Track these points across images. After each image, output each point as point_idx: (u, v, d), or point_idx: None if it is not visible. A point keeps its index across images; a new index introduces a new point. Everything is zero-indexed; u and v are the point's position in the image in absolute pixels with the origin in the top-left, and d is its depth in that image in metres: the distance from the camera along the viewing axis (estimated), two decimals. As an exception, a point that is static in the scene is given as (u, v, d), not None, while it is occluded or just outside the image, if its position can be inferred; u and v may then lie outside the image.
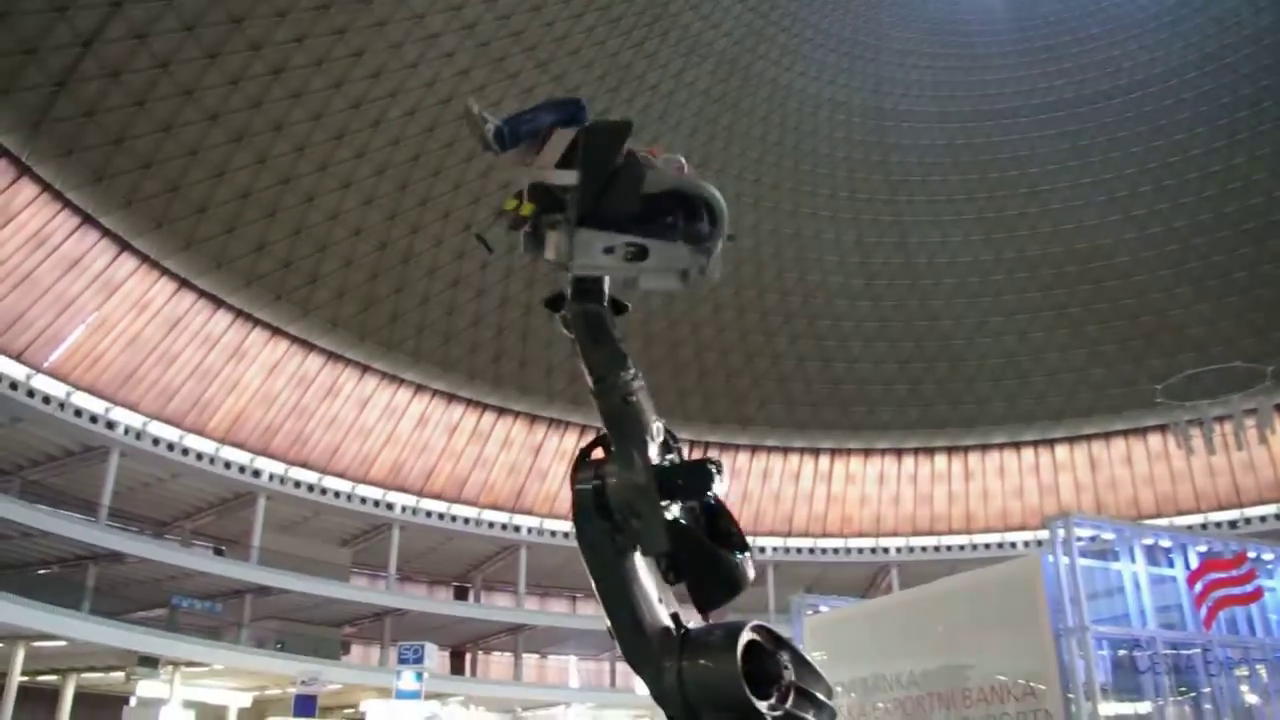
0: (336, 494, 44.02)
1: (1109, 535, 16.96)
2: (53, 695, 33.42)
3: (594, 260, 4.79)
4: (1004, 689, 15.74)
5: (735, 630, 4.52)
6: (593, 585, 4.69)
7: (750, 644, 4.55)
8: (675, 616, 4.70)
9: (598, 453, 4.93)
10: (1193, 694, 16.41)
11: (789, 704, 4.64)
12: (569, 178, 4.81)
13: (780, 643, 4.76)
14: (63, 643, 30.11)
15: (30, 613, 28.59)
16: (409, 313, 43.75)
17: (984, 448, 52.09)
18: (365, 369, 44.40)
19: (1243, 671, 17.13)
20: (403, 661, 35.11)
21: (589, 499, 4.66)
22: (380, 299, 42.72)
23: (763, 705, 4.46)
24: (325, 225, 39.96)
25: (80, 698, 33.71)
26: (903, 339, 50.05)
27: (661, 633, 4.61)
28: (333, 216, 39.93)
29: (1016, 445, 51.79)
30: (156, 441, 38.17)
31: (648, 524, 4.51)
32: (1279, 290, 43.54)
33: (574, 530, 4.73)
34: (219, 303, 39.68)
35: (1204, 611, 16.22)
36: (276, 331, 41.57)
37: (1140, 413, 46.07)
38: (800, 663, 4.78)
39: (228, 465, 40.59)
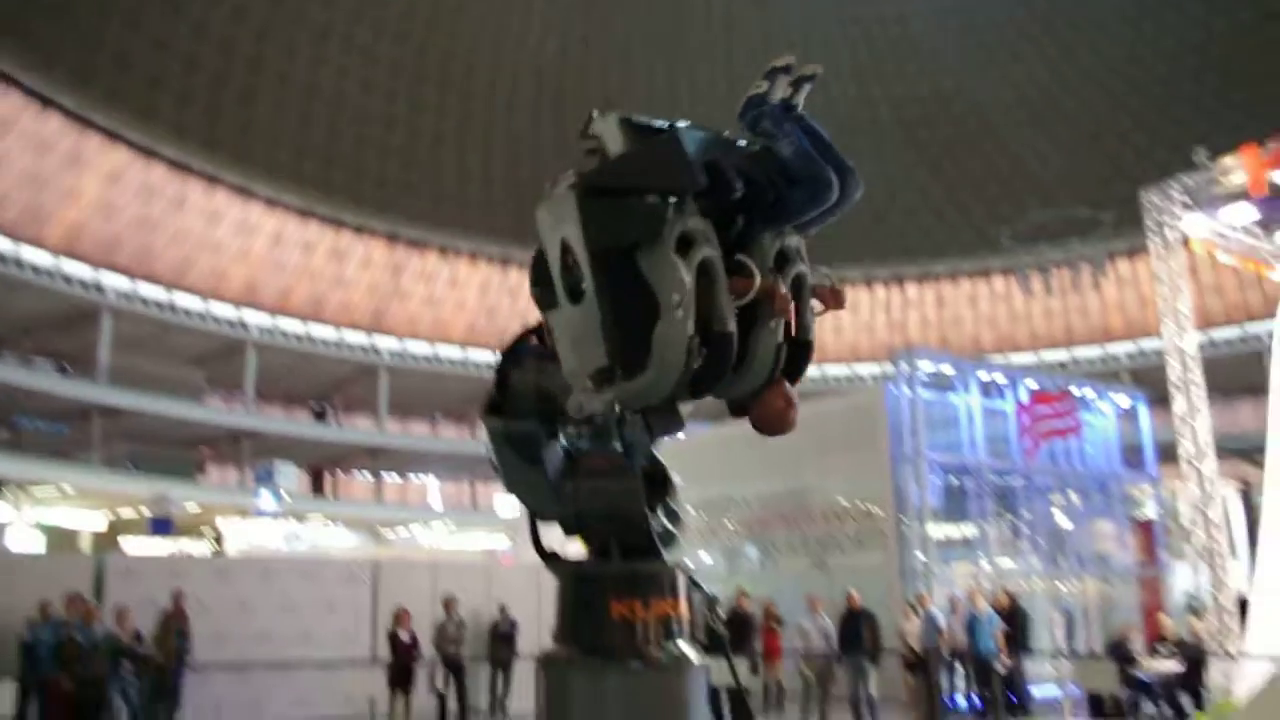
0: (187, 311, 42.47)
1: (949, 370, 17.93)
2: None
3: None
4: (844, 511, 16.82)
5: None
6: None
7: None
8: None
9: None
10: (1013, 518, 17.86)
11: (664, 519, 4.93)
12: None
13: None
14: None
15: None
16: (261, 124, 41.61)
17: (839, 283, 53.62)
18: (215, 181, 42.30)
19: (1058, 498, 18.69)
20: (260, 481, 34.96)
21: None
22: (230, 108, 40.41)
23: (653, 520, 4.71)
24: (165, 23, 37.10)
25: (-84, 519, 32.66)
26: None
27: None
28: (174, 13, 37.06)
29: (869, 282, 53.46)
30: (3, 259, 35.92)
31: None
32: (1123, 143, 45.25)
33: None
34: (48, 102, 36.86)
35: (1029, 442, 17.48)
36: (115, 137, 39.00)
37: (987, 255, 47.94)
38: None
39: (67, 279, 38.55)
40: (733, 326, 3.08)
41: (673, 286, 2.92)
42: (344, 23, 41.00)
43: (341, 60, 41.69)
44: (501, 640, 14.49)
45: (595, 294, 3.03)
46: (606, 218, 3.05)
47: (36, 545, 31.11)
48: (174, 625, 12.63)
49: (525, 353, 4.09)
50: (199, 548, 33.17)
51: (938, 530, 16.48)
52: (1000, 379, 18.65)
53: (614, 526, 4.75)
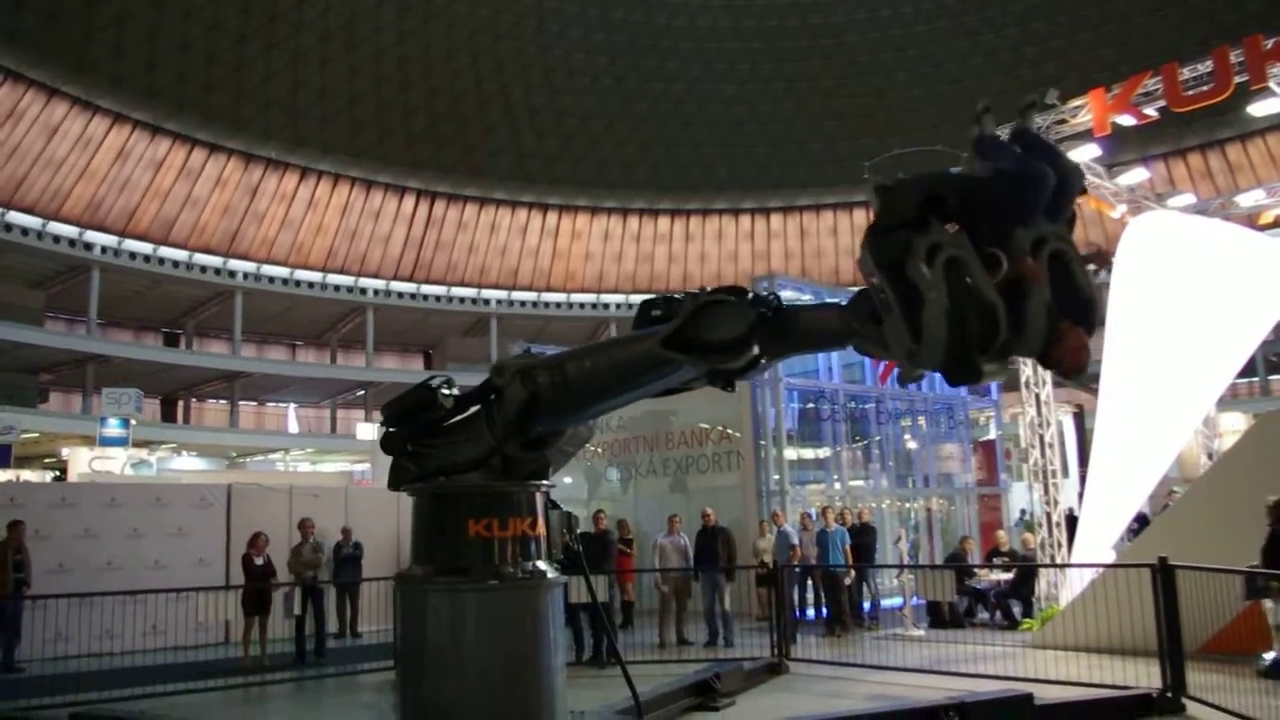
0: (24, 231, 40.00)
1: (808, 297, 18.36)
2: None
3: None
4: (703, 434, 17.19)
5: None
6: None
7: None
8: None
9: None
10: (865, 440, 18.54)
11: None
12: None
13: None
14: None
15: None
16: (105, 30, 39.05)
17: (705, 212, 54.02)
18: (53, 92, 39.63)
19: (907, 422, 19.47)
20: (110, 407, 33.59)
21: None
22: (69, 14, 37.78)
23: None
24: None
25: None
26: (637, 99, 50.08)
27: None
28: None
29: (735, 212, 54.05)
30: None
31: None
32: (980, 82, 46.49)
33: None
34: None
35: (880, 368, 18.11)
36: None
37: (850, 189, 48.87)
38: None
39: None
40: (993, 298, 3.97)
41: (926, 284, 3.94)
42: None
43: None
44: (347, 563, 14.42)
45: (891, 301, 4.07)
46: (880, 248, 4.12)
47: None
48: (9, 555, 12.15)
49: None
50: (40, 477, 31.74)
51: (792, 452, 17.03)
52: (856, 307, 19.18)
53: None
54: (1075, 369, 4.24)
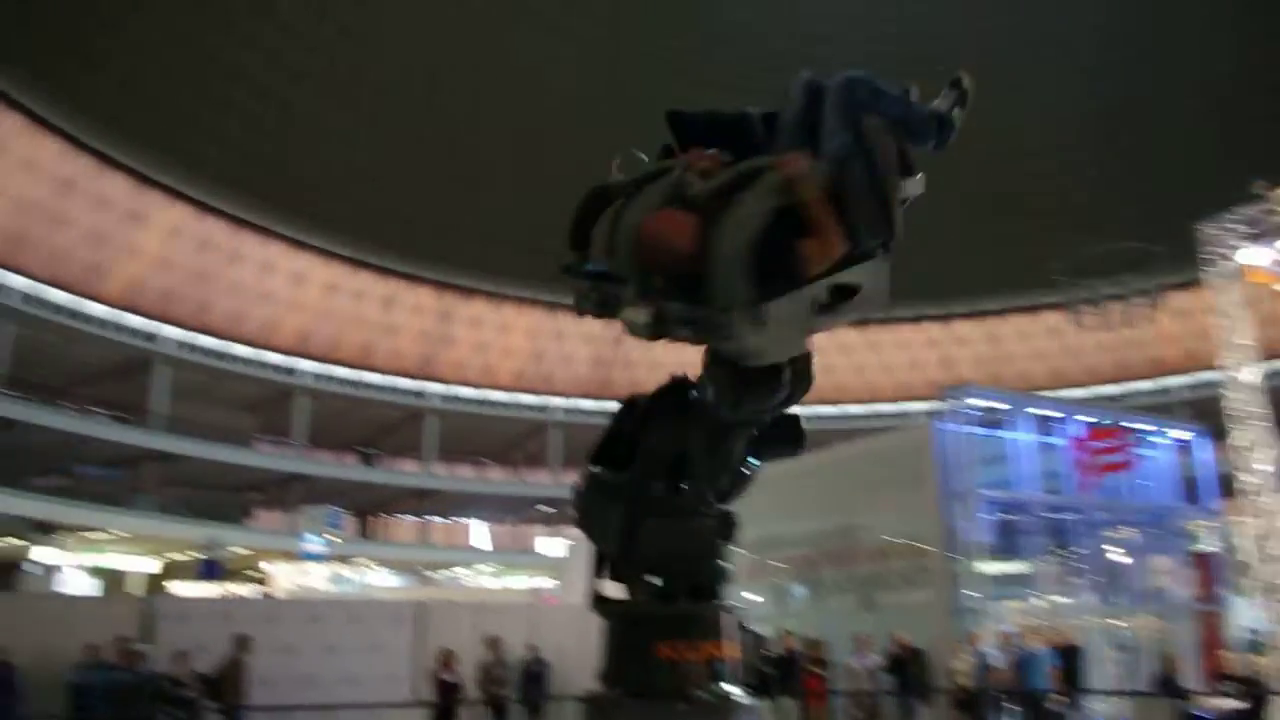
0: (240, 360, 43.19)
1: (1001, 406, 17.64)
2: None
3: None
4: (892, 549, 16.51)
5: None
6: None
7: None
8: None
9: None
10: (1067, 554, 17.43)
11: None
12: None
13: None
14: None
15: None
16: (313, 177, 42.37)
17: (887, 321, 53.25)
18: (269, 234, 43.11)
19: (1113, 533, 18.23)
20: (326, 524, 35.31)
21: None
22: (282, 163, 41.24)
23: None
24: (223, 83, 38.15)
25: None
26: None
27: None
28: (233, 75, 38.11)
29: (918, 319, 53.01)
30: (51, 307, 36.84)
31: None
32: (1175, 175, 44.60)
33: None
34: (111, 162, 37.90)
35: (1083, 478, 17.11)
36: (174, 194, 39.99)
37: (1039, 291, 47.29)
38: None
39: (125, 331, 39.43)
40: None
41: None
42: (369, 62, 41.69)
43: (373, 102, 42.30)
44: (532, 681, 14.35)
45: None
46: None
47: (88, 588, 31.50)
48: (242, 670, 12.68)
49: (664, 413, 5.04)
50: (247, 591, 33.41)
51: (989, 567, 16.13)
52: (1053, 413, 18.32)
53: (683, 567, 4.90)
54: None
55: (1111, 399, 46.84)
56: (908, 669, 12.70)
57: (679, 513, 4.88)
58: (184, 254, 41.33)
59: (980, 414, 17.10)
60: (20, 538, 32.14)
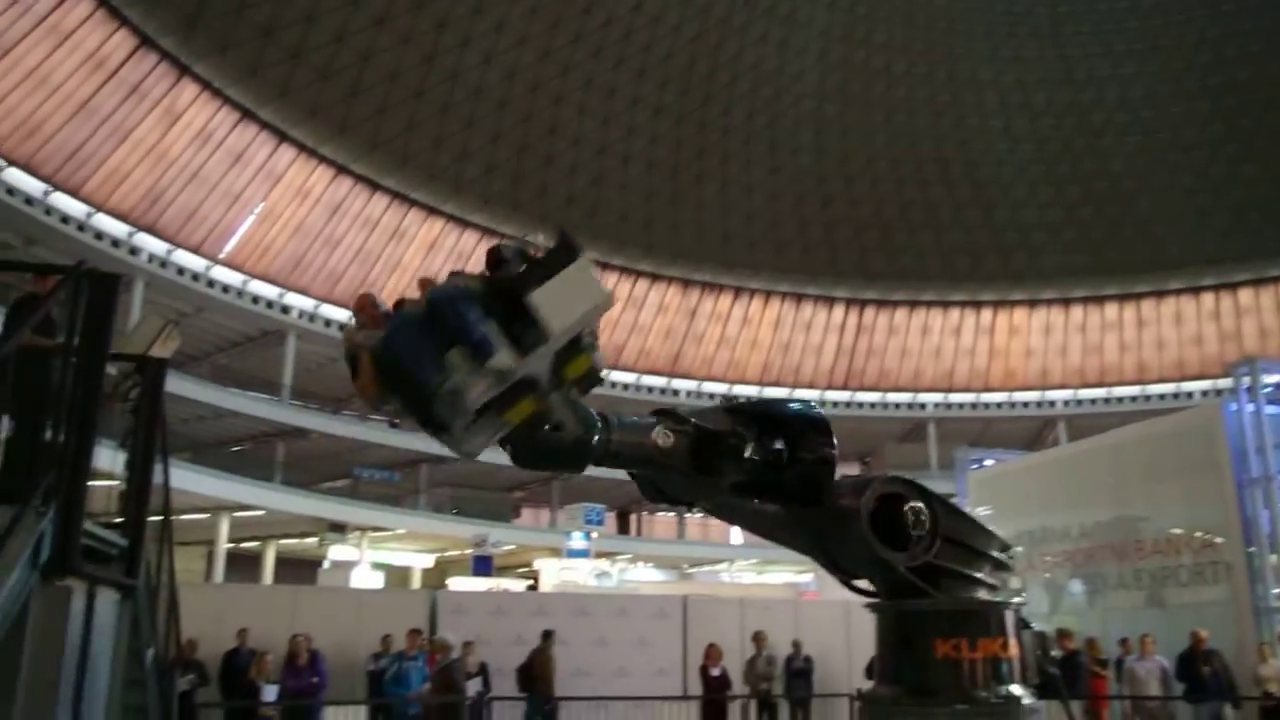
0: (498, 371, 45.35)
1: (1300, 380, 15.99)
2: (256, 559, 36.39)
3: None
4: (1180, 541, 15.27)
5: (863, 485, 4.85)
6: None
7: (885, 496, 4.84)
8: None
9: None
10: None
11: (933, 554, 4.95)
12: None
13: (922, 494, 4.95)
14: (260, 512, 32.61)
15: (230, 486, 31.13)
16: (556, 184, 43.95)
17: (1159, 294, 49.53)
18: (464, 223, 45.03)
19: None
20: (588, 522, 36.62)
21: None
22: (529, 173, 43.03)
23: (898, 557, 4.87)
24: (470, 101, 40.23)
25: (280, 561, 36.70)
26: (1069, 182, 47.50)
27: None
28: (477, 91, 40.11)
29: (1195, 290, 48.99)
30: (328, 323, 40.11)
31: None
32: None
33: None
34: (375, 185, 40.81)
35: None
36: (432, 210, 42.58)
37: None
38: (954, 514, 4.88)
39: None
40: None
41: None
42: (606, 70, 42.50)
43: (608, 106, 43.20)
44: (797, 676, 14.23)
45: None
46: None
47: (376, 582, 33.98)
48: (550, 662, 13.42)
49: None
50: (517, 585, 35.04)
51: (1296, 562, 14.62)
52: (1364, 388, 16.42)
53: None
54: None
55: None
56: (1203, 672, 11.68)
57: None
58: (442, 267, 43.72)
59: (1275, 390, 15.57)
60: (319, 537, 35.15)
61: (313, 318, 39.71)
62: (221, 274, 37.54)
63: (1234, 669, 12.17)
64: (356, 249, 41.60)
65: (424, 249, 43.20)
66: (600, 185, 44.78)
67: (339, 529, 35.13)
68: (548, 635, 13.61)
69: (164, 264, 35.53)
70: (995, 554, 5.28)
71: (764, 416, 4.86)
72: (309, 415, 37.99)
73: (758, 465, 4.63)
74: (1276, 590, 13.87)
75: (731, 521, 4.45)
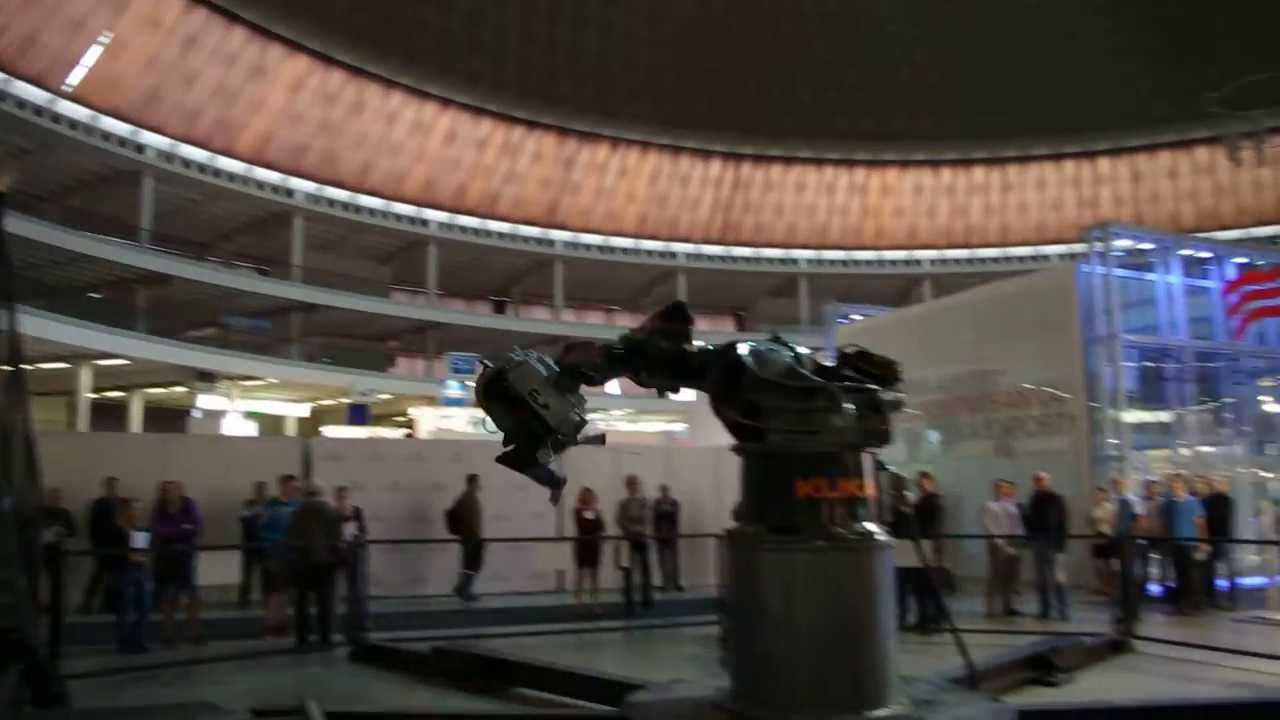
0: (371, 212, 44.23)
1: (1147, 246, 16.87)
2: (122, 409, 35.30)
3: None
4: (1030, 394, 16.22)
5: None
6: None
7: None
8: None
9: None
10: (1215, 403, 16.83)
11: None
12: None
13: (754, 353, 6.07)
14: (124, 361, 31.47)
15: (89, 334, 29.76)
16: (430, 23, 42.18)
17: (1024, 159, 50.98)
18: (390, 84, 43.38)
19: (1267, 382, 17.48)
20: (456, 371, 36.50)
21: None
22: (400, 9, 41.11)
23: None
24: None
25: (148, 412, 35.72)
26: (945, 43, 47.86)
27: None
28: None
29: (1058, 158, 50.61)
30: (187, 164, 38.19)
31: None
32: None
33: None
34: (233, 17, 38.40)
35: (1236, 322, 16.35)
36: (295, 46, 40.44)
37: (1189, 124, 44.45)
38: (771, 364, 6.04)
39: (260, 186, 40.70)
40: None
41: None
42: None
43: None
44: (664, 519, 14.77)
45: None
46: None
47: (249, 431, 33.52)
48: (475, 504, 13.88)
49: None
50: (392, 434, 35.04)
51: (1132, 415, 15.72)
52: (1203, 254, 17.44)
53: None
54: None
55: (1270, 241, 44.18)
56: (1048, 514, 12.58)
57: None
58: (308, 107, 42.01)
59: (1125, 255, 16.40)
60: (186, 386, 34.25)
61: (170, 158, 37.68)
62: (67, 108, 35.10)
63: (1073, 512, 13.10)
64: (215, 85, 39.38)
65: (288, 88, 41.17)
66: (476, 25, 43.15)
67: (208, 378, 34.26)
68: (472, 479, 13.85)
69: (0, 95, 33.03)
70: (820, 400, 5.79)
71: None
72: (171, 261, 36.45)
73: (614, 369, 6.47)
74: (1113, 440, 14.95)
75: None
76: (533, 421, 6.24)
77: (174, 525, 10.88)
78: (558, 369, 6.32)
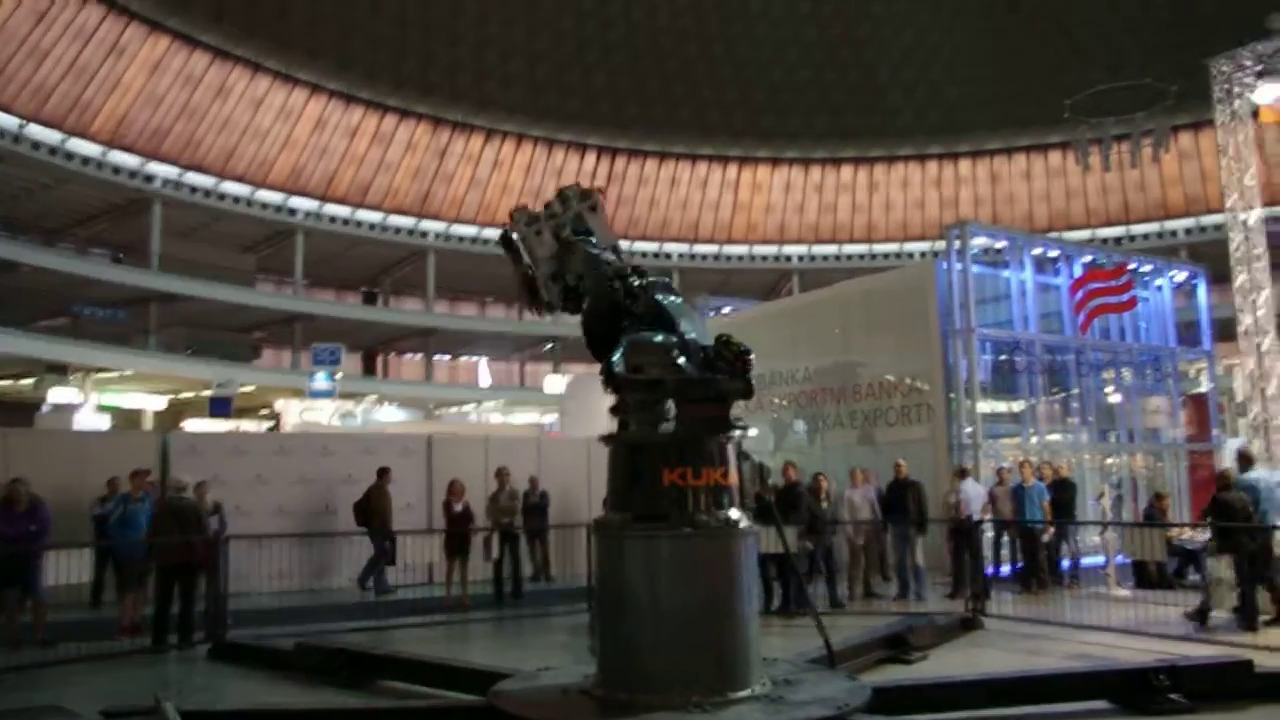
0: (235, 199, 42.78)
1: (1001, 244, 17.64)
2: (-39, 402, 33.44)
3: None
4: (891, 386, 16.81)
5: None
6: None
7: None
8: None
9: None
10: (1063, 393, 17.73)
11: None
12: None
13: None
14: (-36, 351, 29.80)
15: (-77, 322, 28.02)
16: (300, 6, 41.03)
17: (890, 159, 52.52)
18: (256, 67, 42.02)
19: (1109, 374, 18.50)
20: (318, 363, 35.68)
21: None
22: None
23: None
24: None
25: (-8, 404, 33.92)
26: (816, 45, 48.94)
27: None
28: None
29: (922, 158, 52.30)
30: (36, 146, 36.23)
31: None
32: (1190, 10, 43.18)
33: None
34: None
35: (1081, 317, 17.24)
36: (155, 26, 38.81)
37: (1044, 129, 46.48)
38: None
39: (116, 170, 38.91)
40: None
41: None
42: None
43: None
44: (534, 511, 14.78)
45: None
46: None
47: (102, 425, 32.13)
48: (386, 497, 13.70)
49: None
50: (256, 427, 34.07)
51: (986, 405, 16.44)
52: (1053, 252, 18.35)
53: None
54: None
55: (1115, 241, 46.64)
56: (906, 499, 13.07)
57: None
58: (169, 89, 40.36)
59: (981, 253, 17.13)
60: (36, 378, 32.60)
61: (17, 139, 35.69)
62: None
63: (929, 497, 13.65)
64: (69, 63, 37.48)
65: (146, 69, 39.49)
66: (349, 9, 42.17)
67: (59, 370, 32.67)
68: (383, 472, 13.64)
69: None
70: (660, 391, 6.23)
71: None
72: (17, 247, 34.53)
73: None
74: (968, 429, 15.61)
75: None
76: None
77: (19, 526, 10.36)
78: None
